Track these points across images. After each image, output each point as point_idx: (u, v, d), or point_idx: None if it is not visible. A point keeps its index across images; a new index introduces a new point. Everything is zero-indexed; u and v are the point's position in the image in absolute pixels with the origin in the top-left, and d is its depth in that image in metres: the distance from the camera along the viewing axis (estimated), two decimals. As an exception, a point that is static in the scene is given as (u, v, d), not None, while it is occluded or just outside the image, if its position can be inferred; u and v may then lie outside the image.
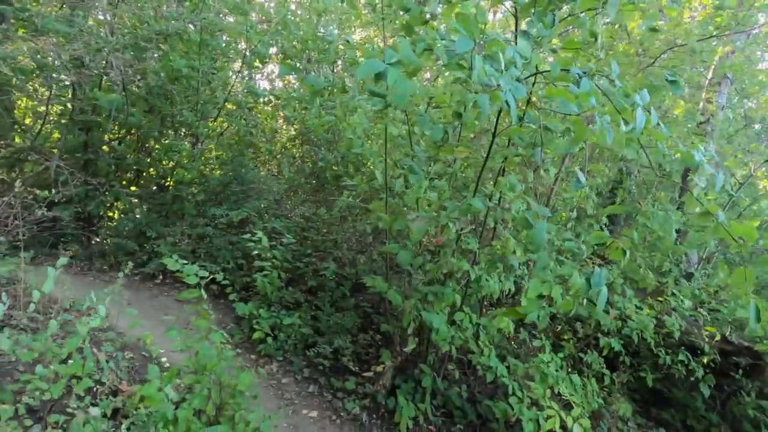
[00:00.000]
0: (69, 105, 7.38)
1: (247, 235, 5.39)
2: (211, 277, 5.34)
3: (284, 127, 9.77)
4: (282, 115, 9.48)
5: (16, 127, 7.58)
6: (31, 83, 7.56)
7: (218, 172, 7.94)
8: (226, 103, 8.46)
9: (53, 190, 5.26)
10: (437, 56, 2.40)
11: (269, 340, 4.91)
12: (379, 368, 4.43)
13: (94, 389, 2.60)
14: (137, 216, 7.32)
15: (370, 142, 5.16)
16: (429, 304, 4.01)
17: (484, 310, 5.06)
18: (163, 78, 7.58)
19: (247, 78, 9.28)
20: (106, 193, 7.42)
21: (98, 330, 3.77)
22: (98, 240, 7.52)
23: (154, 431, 2.31)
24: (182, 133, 8.26)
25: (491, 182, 3.99)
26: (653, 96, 2.77)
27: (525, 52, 2.36)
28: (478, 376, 4.85)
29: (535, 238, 2.30)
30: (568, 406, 4.04)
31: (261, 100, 9.07)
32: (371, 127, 4.99)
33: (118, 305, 4.25)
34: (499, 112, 3.23)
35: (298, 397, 4.35)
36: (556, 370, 4.07)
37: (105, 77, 7.31)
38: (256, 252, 5.32)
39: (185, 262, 3.29)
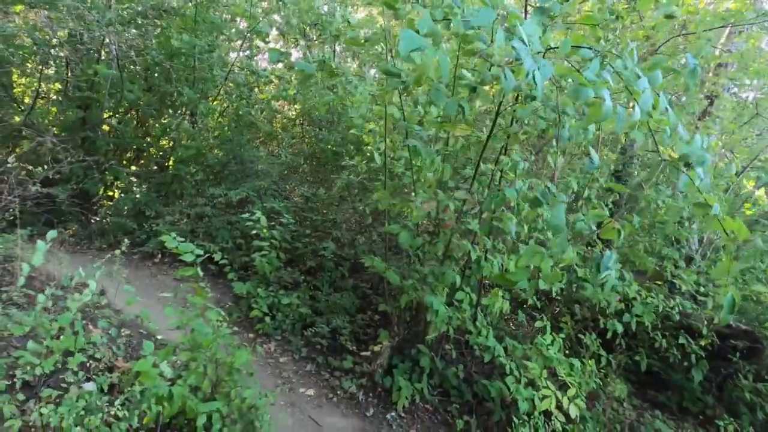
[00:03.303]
0: (66, 81, 7.30)
1: (246, 215, 5.36)
2: (209, 255, 5.35)
3: (285, 107, 9.67)
4: (282, 95, 9.39)
5: (14, 105, 7.50)
6: (29, 61, 7.50)
7: (218, 152, 7.88)
8: (227, 82, 8.36)
9: (47, 167, 5.21)
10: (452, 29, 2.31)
11: (267, 319, 4.92)
12: (377, 348, 4.44)
13: (89, 365, 2.59)
14: (136, 195, 7.28)
15: (371, 123, 5.09)
16: (428, 285, 3.99)
17: (483, 291, 5.05)
18: (161, 55, 7.48)
19: (247, 57, 9.16)
20: (106, 171, 7.38)
21: (96, 307, 3.77)
22: (98, 219, 7.50)
23: (148, 407, 2.31)
24: (181, 112, 8.18)
25: (492, 163, 3.92)
26: (673, 80, 2.70)
27: (534, 31, 2.28)
28: (476, 356, 4.87)
29: (554, 220, 2.25)
30: (564, 387, 4.06)
31: (262, 80, 8.96)
32: (372, 108, 4.92)
33: (116, 283, 4.26)
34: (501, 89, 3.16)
35: (295, 375, 4.37)
36: (557, 351, 4.07)
37: (102, 53, 7.22)
38: (254, 232, 5.30)
39: (182, 240, 3.26)
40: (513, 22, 2.11)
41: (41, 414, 1.98)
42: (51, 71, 7.56)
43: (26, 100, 8.08)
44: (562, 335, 4.42)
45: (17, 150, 7.21)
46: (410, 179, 4.15)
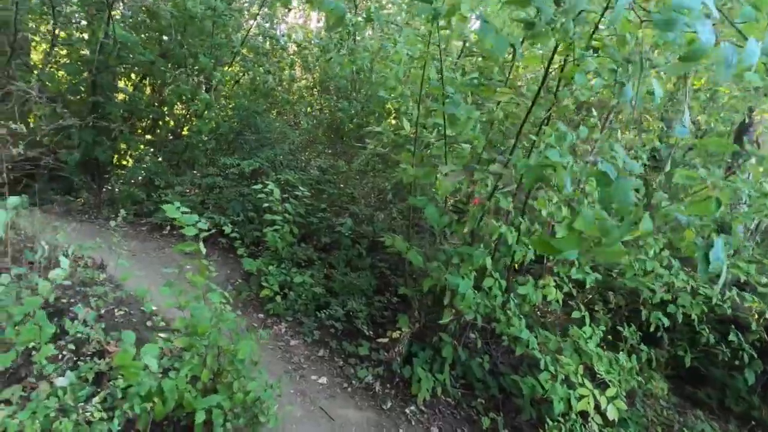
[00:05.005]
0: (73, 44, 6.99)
1: (259, 186, 5.01)
2: (218, 229, 5.02)
3: (303, 75, 9.24)
4: (300, 64, 8.98)
5: (33, 72, 7.18)
6: (40, 22, 7.21)
7: (233, 120, 7.51)
8: (242, 48, 7.93)
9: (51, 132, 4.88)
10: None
11: (278, 298, 4.60)
12: (395, 334, 4.07)
13: (62, 356, 2.27)
14: (146, 164, 6.99)
15: (405, 86, 4.61)
16: (454, 266, 3.59)
17: (511, 277, 4.64)
18: (176, 18, 7.08)
19: (267, 24, 8.72)
20: (116, 139, 7.08)
21: (92, 283, 3.46)
22: (108, 188, 7.26)
23: (131, 407, 1.99)
24: (196, 80, 7.80)
25: (534, 135, 3.46)
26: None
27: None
28: (502, 345, 4.50)
29: (617, 196, 1.76)
30: (600, 384, 3.67)
31: (280, 45, 8.53)
32: (408, 69, 4.46)
33: (117, 256, 3.95)
34: (555, 47, 2.67)
35: (307, 361, 4.05)
36: (596, 346, 3.67)
37: (113, 15, 6.84)
38: (267, 205, 4.95)
39: (187, 211, 2.90)
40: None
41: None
42: (62, 33, 7.25)
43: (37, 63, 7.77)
44: (602, 328, 4.00)
45: (30, 115, 6.94)
46: (441, 150, 3.70)
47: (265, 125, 7.00)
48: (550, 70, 2.98)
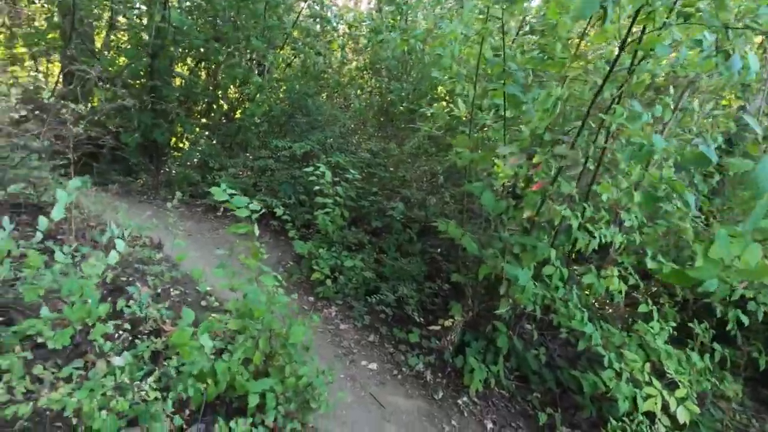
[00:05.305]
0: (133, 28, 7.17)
1: (310, 169, 4.97)
2: (270, 211, 5.04)
3: (353, 57, 9.14)
4: (351, 46, 8.88)
5: (96, 58, 7.45)
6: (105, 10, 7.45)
7: (285, 103, 7.53)
8: (293, 30, 7.91)
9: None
10: None
11: (329, 282, 4.57)
12: (447, 322, 3.95)
13: (118, 335, 2.29)
14: (200, 147, 7.14)
15: (460, 66, 4.40)
16: (512, 255, 3.41)
17: (570, 266, 4.39)
18: (230, 1, 7.14)
19: (318, 6, 8.66)
20: (173, 122, 7.25)
21: (150, 262, 3.53)
22: (166, 170, 7.47)
23: (185, 388, 1.98)
24: (249, 64, 7.86)
25: (601, 115, 3.19)
26: None
27: None
28: (559, 338, 4.28)
29: (760, 179, 1.49)
30: (669, 384, 3.41)
31: (331, 25, 8.47)
32: (464, 46, 4.25)
33: (173, 236, 4.02)
34: (636, 13, 2.40)
35: (357, 345, 4.00)
36: (665, 343, 3.41)
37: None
38: (318, 188, 4.91)
39: (235, 192, 2.87)
40: None
41: (54, 400, 1.67)
42: (121, 18, 7.46)
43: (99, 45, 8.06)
44: (671, 323, 3.71)
45: (94, 99, 7.21)
46: (498, 132, 3.50)
47: (315, 108, 6.96)
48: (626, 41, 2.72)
